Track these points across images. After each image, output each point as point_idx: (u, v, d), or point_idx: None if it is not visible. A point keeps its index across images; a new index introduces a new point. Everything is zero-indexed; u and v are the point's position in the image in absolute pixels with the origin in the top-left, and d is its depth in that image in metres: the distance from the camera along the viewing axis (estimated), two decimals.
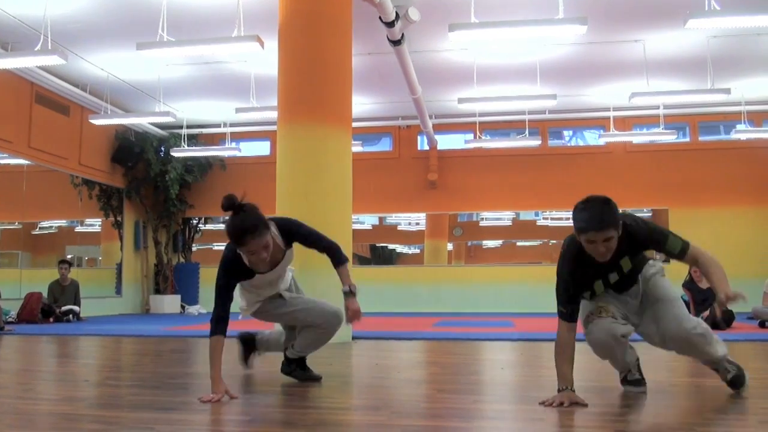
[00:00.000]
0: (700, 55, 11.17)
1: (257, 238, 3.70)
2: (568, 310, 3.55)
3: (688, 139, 15.12)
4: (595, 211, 3.28)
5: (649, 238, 3.48)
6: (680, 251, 3.44)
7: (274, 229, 3.94)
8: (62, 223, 15.07)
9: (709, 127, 15.40)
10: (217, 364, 3.74)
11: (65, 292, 11.85)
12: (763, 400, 3.54)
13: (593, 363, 5.31)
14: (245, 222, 3.70)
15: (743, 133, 13.32)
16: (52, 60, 9.02)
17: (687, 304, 11.21)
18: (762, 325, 9.20)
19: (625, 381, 3.92)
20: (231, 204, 3.74)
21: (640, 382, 3.88)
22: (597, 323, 3.57)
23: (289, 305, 4.35)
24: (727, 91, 10.98)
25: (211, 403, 3.57)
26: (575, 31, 8.25)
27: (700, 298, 9.54)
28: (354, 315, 4.02)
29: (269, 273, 4.06)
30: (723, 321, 8.87)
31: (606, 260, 3.39)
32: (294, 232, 4.05)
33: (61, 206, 14.38)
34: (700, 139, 15.18)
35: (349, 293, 4.05)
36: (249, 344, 4.74)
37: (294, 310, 4.35)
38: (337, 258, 4.10)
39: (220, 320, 3.81)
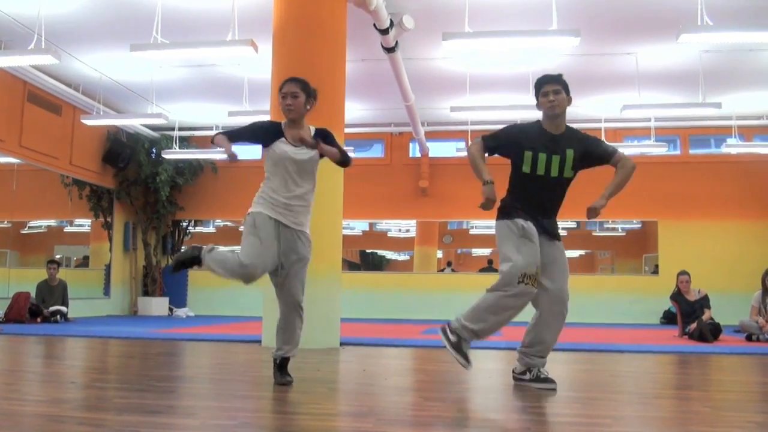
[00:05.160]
0: (691, 69, 11.22)
1: (292, 83, 4.62)
2: (490, 145, 4.48)
3: (678, 152, 15.16)
4: (552, 74, 4.50)
5: (591, 139, 4.51)
6: (612, 150, 4.45)
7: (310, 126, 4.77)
8: (51, 222, 15.02)
9: (700, 141, 15.44)
10: (226, 142, 4.40)
11: (53, 292, 11.80)
12: (746, 414, 3.57)
13: (579, 373, 5.34)
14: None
15: (734, 147, 13.39)
16: (46, 59, 8.99)
17: (674, 315, 11.28)
18: (749, 338, 9.22)
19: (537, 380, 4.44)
20: None
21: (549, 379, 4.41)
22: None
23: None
24: (718, 105, 11.02)
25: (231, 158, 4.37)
26: (568, 43, 8.29)
27: (688, 310, 9.56)
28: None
29: (291, 147, 4.57)
30: (710, 334, 8.86)
31: (555, 113, 4.34)
32: (327, 134, 4.77)
33: (50, 206, 14.32)
34: (691, 152, 15.24)
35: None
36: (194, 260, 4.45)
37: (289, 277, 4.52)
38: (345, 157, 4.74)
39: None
